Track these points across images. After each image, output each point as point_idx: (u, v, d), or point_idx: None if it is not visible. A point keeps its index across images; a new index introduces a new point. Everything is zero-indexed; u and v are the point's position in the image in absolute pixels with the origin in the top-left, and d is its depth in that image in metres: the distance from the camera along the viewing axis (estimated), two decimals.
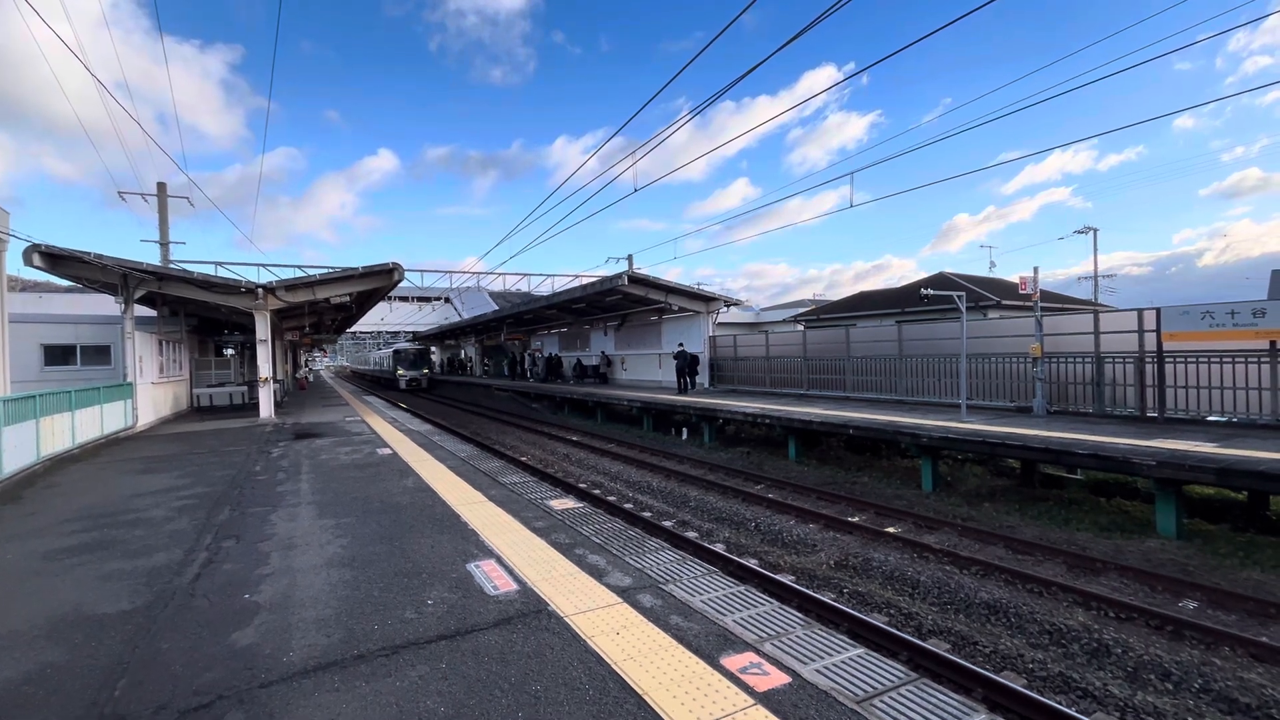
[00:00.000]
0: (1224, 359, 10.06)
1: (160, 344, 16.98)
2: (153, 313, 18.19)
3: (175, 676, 3.10)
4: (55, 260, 12.67)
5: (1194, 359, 10.40)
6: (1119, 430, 9.76)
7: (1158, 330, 10.59)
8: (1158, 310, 10.72)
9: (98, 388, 12.29)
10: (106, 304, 17.63)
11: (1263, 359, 9.65)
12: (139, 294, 14.28)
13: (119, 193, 19.58)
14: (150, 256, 19.60)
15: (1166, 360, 10.64)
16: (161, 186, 19.77)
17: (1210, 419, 10.21)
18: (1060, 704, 4.36)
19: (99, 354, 17.41)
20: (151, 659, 3.29)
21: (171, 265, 18.69)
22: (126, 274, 13.69)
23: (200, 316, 20.58)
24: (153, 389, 15.83)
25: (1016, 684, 4.60)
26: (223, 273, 23.45)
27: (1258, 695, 4.50)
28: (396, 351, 44.57)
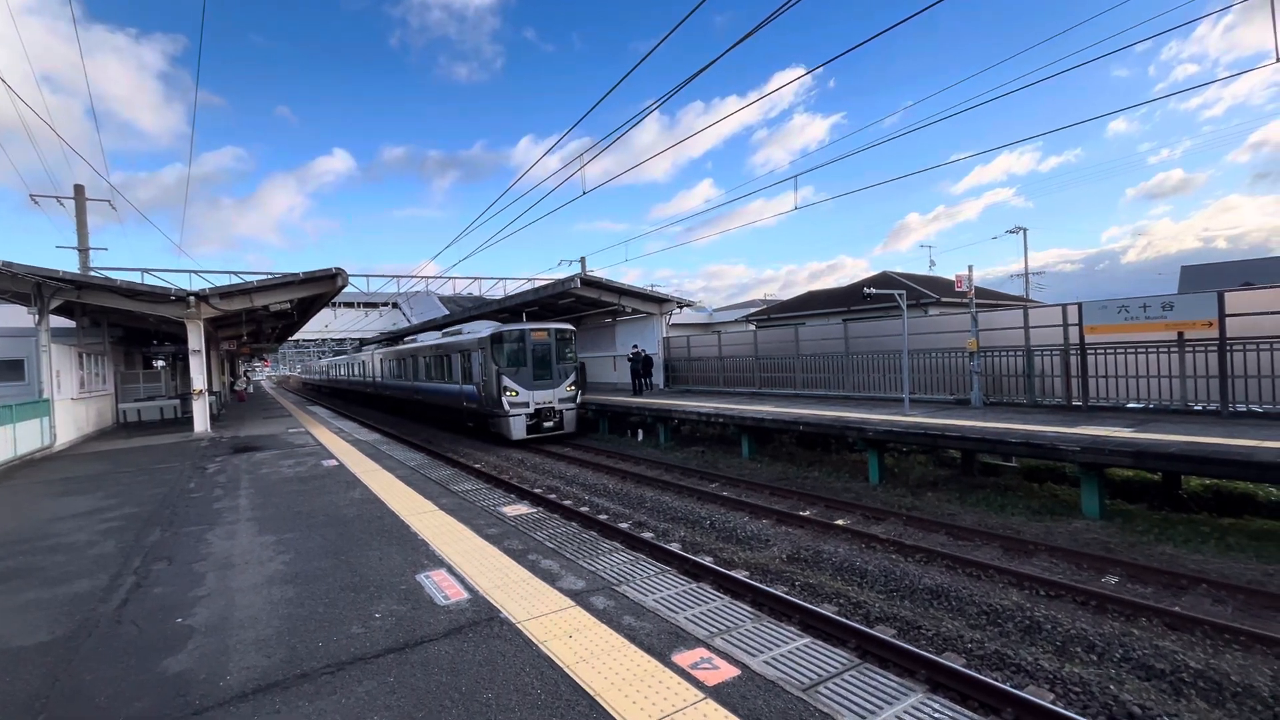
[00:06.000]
0: (1139, 349, 10.79)
1: (81, 357, 15.92)
2: (71, 323, 17.04)
3: (100, 709, 2.93)
4: None
5: (1113, 350, 11.11)
6: (1048, 419, 10.33)
7: (1080, 324, 11.27)
8: (1079, 305, 11.40)
9: (9, 405, 11.44)
10: (20, 315, 16.42)
11: (1172, 349, 10.39)
12: (55, 304, 13.35)
13: (31, 196, 18.29)
14: (68, 264, 18.39)
15: (1089, 352, 11.33)
16: (79, 189, 18.56)
17: (1129, 406, 10.93)
18: (996, 679, 4.60)
19: (11, 369, 16.14)
20: (74, 692, 3.10)
21: (92, 273, 17.56)
22: (40, 283, 12.79)
23: (126, 327, 19.41)
24: (72, 405, 14.84)
25: (956, 663, 4.82)
26: (150, 280, 22.22)
27: (1171, 661, 4.86)
28: (497, 338, 17.40)
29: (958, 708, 2.92)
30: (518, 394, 17.16)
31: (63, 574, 4.97)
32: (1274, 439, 7.64)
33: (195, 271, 39.61)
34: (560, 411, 17.92)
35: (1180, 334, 10.18)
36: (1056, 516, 8.51)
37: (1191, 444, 7.68)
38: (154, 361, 25.14)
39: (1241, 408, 9.63)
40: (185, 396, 18.93)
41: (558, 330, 18.24)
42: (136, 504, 7.49)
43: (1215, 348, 9.83)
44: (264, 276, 16.37)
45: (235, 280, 23.25)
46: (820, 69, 8.29)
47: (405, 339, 29.37)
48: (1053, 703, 4.35)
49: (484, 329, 18.52)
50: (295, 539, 5.64)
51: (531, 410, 17.33)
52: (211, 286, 15.29)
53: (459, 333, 20.92)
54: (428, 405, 23.90)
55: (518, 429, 17.17)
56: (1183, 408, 10.27)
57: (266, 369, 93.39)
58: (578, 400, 18.44)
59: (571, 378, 18.31)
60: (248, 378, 51.53)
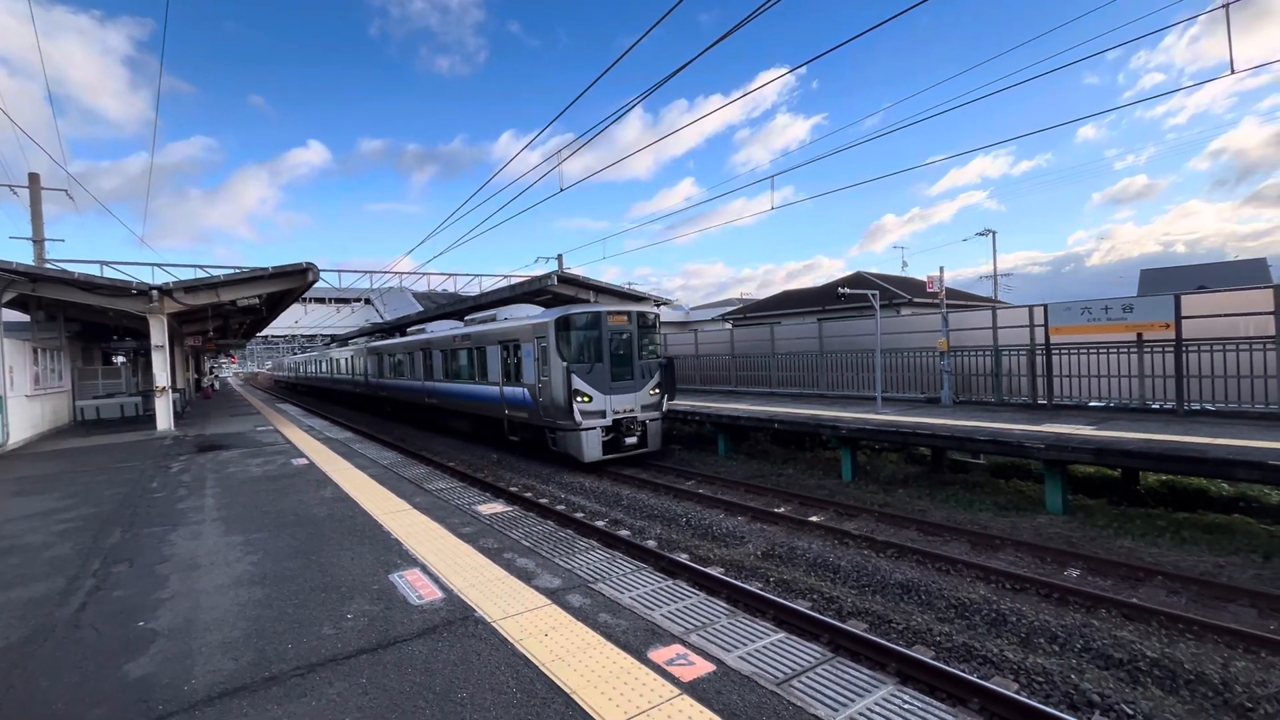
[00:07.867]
0: (1101, 350, 11.14)
1: (35, 352, 15.32)
2: (26, 318, 16.38)
3: (57, 715, 2.83)
4: None
5: (1077, 350, 11.46)
6: (1014, 417, 10.61)
7: (1045, 325, 11.60)
8: (1045, 307, 11.73)
9: None
10: None
11: (1132, 349, 10.75)
12: (8, 297, 12.81)
13: None
14: (22, 255, 17.68)
15: (1054, 352, 11.66)
16: (34, 178, 17.84)
17: (1091, 405, 11.28)
18: (963, 671, 4.72)
19: None
20: (29, 699, 2.99)
21: (48, 264, 16.91)
22: None
23: (84, 321, 18.72)
24: (27, 402, 14.28)
25: (925, 656, 4.93)
26: (110, 273, 21.41)
27: (1129, 650, 5.03)
28: (564, 323, 12.73)
29: (926, 699, 2.98)
30: (591, 400, 12.47)
31: (16, 577, 4.79)
32: (1226, 436, 7.96)
33: (159, 265, 38.27)
34: (644, 423, 13.26)
35: (1140, 335, 10.54)
36: (1022, 512, 8.74)
37: (1149, 441, 7.96)
38: (114, 357, 24.34)
39: (1196, 406, 10.01)
40: (147, 393, 18.34)
41: (640, 315, 13.58)
42: (95, 504, 7.24)
43: (1172, 348, 10.19)
44: (231, 271, 15.94)
45: (201, 274, 22.61)
46: (803, 68, 8.37)
47: (410, 329, 24.60)
48: (1017, 692, 4.48)
49: (537, 312, 14.40)
50: (263, 539, 5.51)
51: (609, 421, 12.68)
52: (176, 280, 14.86)
53: (493, 319, 16.30)
54: (447, 411, 18.88)
55: (591, 447, 12.44)
56: (1142, 406, 10.63)
57: (234, 365, 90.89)
58: (664, 408, 13.72)
59: (655, 378, 13.51)
60: (214, 374, 50.10)
